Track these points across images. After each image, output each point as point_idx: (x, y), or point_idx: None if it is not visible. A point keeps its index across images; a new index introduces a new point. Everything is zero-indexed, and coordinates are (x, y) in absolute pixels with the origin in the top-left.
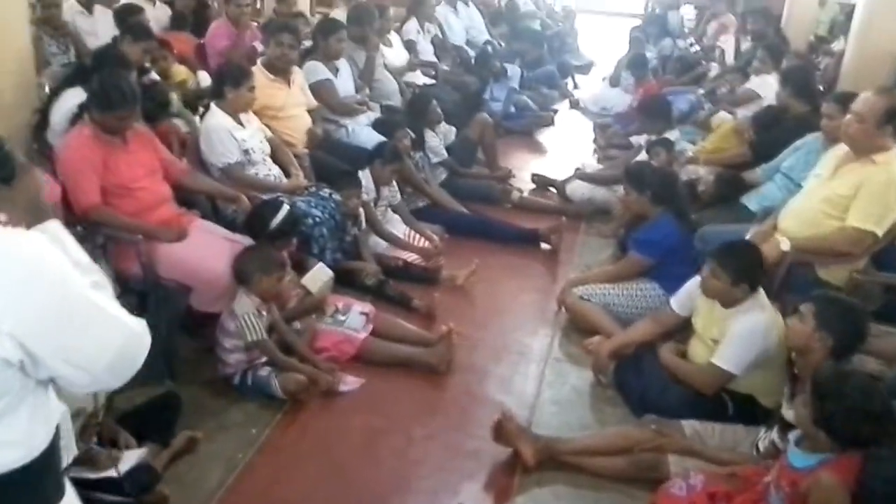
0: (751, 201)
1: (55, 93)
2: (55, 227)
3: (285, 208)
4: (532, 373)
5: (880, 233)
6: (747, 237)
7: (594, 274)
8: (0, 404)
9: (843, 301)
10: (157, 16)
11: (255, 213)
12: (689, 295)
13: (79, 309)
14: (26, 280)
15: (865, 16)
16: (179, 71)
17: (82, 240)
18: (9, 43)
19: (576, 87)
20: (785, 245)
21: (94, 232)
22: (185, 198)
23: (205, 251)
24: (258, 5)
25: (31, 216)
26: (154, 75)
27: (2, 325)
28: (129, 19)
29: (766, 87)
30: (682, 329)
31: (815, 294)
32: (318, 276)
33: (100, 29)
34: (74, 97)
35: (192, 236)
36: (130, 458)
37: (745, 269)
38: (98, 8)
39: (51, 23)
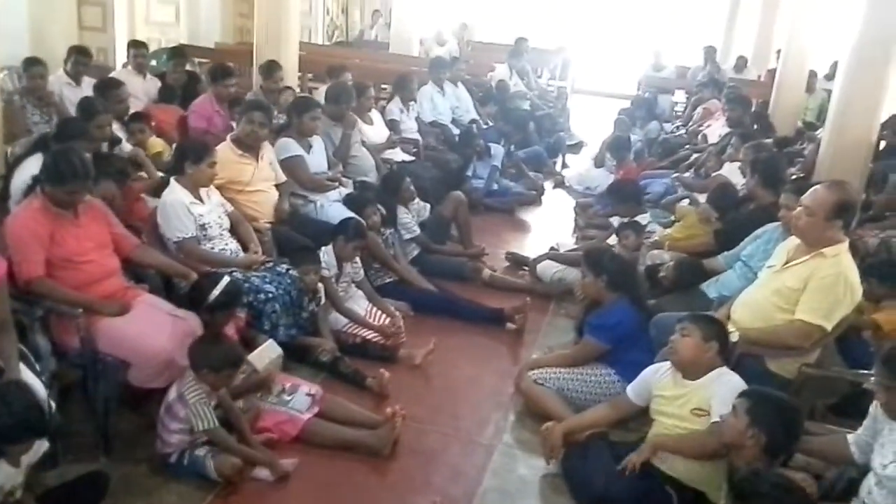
0: (710, 289)
1: (18, 161)
2: None
3: (225, 280)
4: (479, 458)
5: (829, 327)
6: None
7: (550, 358)
8: None
9: (777, 398)
10: (146, 88)
11: (195, 286)
12: (645, 383)
13: None
14: None
15: (842, 104)
16: (156, 143)
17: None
18: None
19: (565, 166)
20: (734, 336)
21: (34, 304)
22: (137, 272)
23: (146, 327)
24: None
25: None
26: (126, 146)
27: None
28: (107, 92)
29: (738, 174)
30: (637, 417)
31: (748, 389)
32: (267, 353)
33: None
34: (34, 165)
35: (136, 311)
36: None
37: (714, 328)
38: (86, 79)
39: (35, 92)
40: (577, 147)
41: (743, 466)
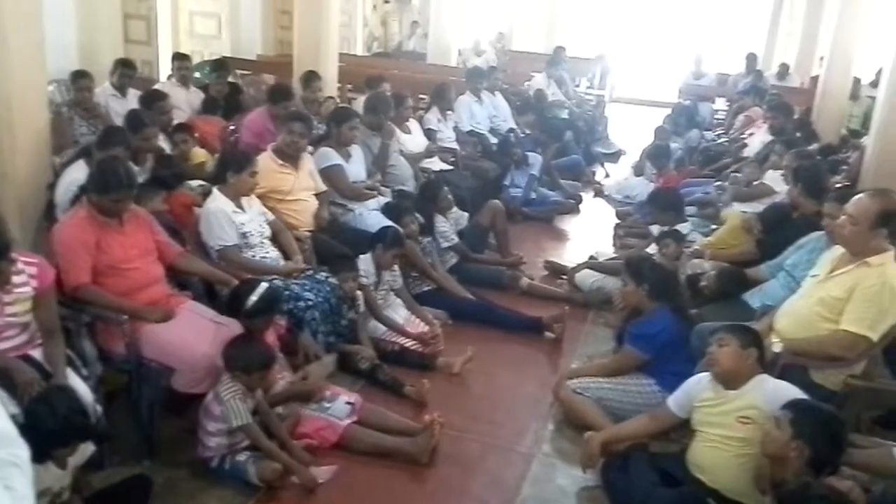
0: (753, 298)
1: (62, 168)
2: None
3: (262, 286)
4: (518, 468)
5: (875, 337)
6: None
7: (589, 367)
8: None
9: (822, 410)
10: (190, 99)
11: (234, 292)
12: (687, 395)
13: None
14: None
15: (886, 111)
16: (198, 154)
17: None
18: (28, 124)
19: (607, 175)
20: (777, 347)
21: (81, 310)
22: (180, 279)
23: (189, 333)
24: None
25: None
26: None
27: None
28: (152, 104)
29: (781, 182)
30: (678, 429)
31: (792, 401)
32: (325, 367)
33: None
34: (76, 172)
35: (179, 318)
36: None
37: (750, 335)
38: (131, 91)
39: (82, 104)
40: (615, 156)
41: (790, 479)
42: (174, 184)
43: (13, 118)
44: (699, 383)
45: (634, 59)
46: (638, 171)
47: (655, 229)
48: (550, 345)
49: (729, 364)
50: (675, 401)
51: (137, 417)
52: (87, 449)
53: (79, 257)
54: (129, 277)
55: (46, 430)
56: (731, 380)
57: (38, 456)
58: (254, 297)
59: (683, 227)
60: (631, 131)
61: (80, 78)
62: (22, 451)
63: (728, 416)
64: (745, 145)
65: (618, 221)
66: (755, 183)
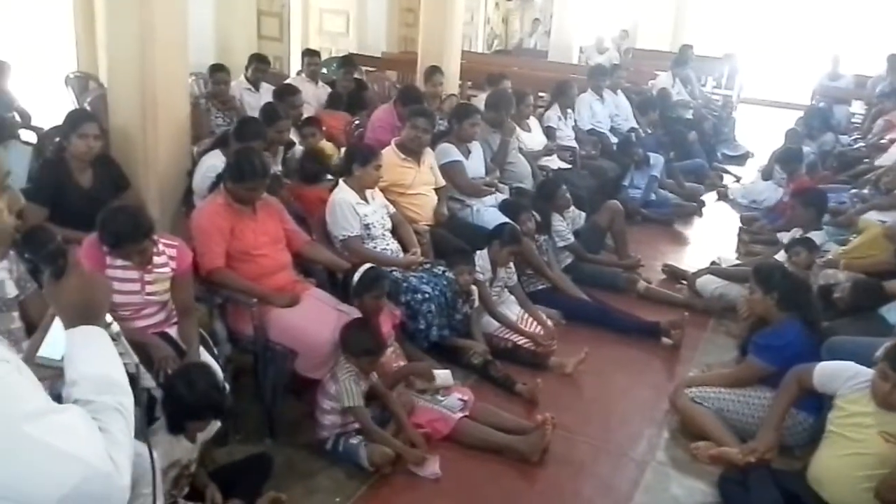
0: (891, 313)
1: (200, 156)
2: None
3: (364, 267)
4: (631, 474)
5: None
6: (878, 354)
7: (710, 376)
8: None
9: None
10: (318, 94)
11: (345, 279)
12: (837, 379)
13: (16, 445)
14: None
15: None
16: (326, 147)
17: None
18: (172, 114)
19: (738, 180)
20: None
21: (214, 293)
22: (305, 266)
23: (313, 319)
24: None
25: (67, 317)
26: (299, 148)
27: None
28: (285, 98)
29: None
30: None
31: None
32: (442, 380)
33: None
34: (213, 159)
35: (304, 304)
36: None
37: None
38: (264, 85)
39: (219, 97)
40: (742, 158)
41: None
42: (320, 177)
43: (157, 109)
44: (854, 378)
45: (766, 57)
46: (766, 175)
47: (785, 236)
48: (667, 351)
49: (891, 399)
50: (823, 373)
51: (261, 398)
52: (214, 425)
53: (214, 242)
54: (259, 263)
55: (184, 403)
56: (890, 405)
57: (173, 427)
58: (356, 276)
59: (817, 236)
60: (759, 133)
61: (218, 72)
62: (128, 399)
63: (870, 429)
64: (885, 151)
65: (742, 226)
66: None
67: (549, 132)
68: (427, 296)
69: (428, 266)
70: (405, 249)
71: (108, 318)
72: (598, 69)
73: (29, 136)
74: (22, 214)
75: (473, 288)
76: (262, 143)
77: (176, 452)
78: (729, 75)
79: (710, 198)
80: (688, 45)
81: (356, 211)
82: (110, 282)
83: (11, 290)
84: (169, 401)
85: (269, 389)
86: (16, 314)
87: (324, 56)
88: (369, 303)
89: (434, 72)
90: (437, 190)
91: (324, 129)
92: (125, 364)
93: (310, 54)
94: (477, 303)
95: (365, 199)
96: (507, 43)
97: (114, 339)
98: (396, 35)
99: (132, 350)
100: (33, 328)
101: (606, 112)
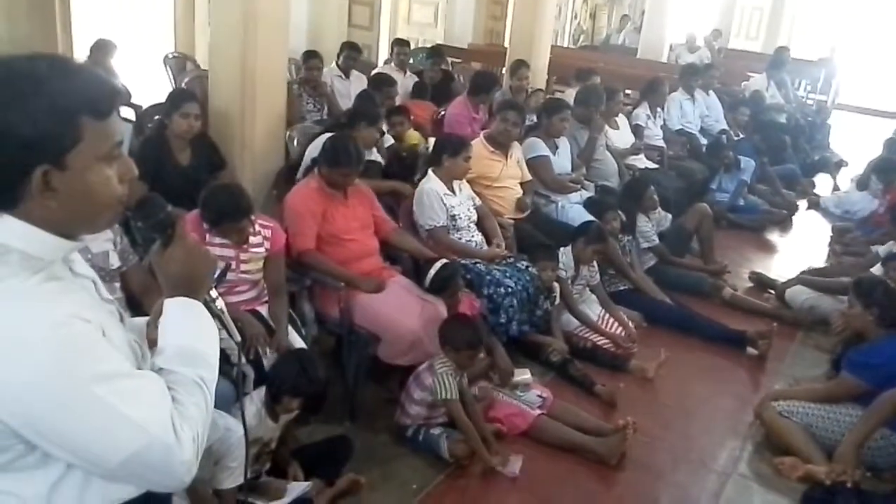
0: None
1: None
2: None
3: (439, 263)
4: (711, 485)
5: None
6: None
7: (799, 390)
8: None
9: None
10: (405, 83)
11: (418, 269)
12: None
13: (82, 404)
14: (15, 351)
15: None
16: (413, 136)
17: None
18: (269, 98)
19: (836, 188)
20: None
21: (304, 274)
22: (391, 254)
23: (397, 306)
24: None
25: (168, 287)
26: (388, 137)
27: None
28: (381, 87)
29: None
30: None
31: None
32: (524, 378)
33: (353, 92)
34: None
35: (389, 290)
36: (295, 489)
37: None
38: (354, 73)
39: (311, 83)
40: (836, 167)
41: None
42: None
43: (256, 92)
44: None
45: (863, 63)
46: (861, 185)
47: (882, 249)
48: (753, 361)
49: None
50: None
51: (343, 380)
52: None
53: (306, 224)
54: (347, 248)
55: (286, 382)
56: None
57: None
58: (431, 272)
59: None
60: (855, 141)
61: (312, 58)
62: (211, 374)
63: None
64: None
65: (833, 237)
66: None
67: (636, 130)
68: (510, 290)
69: (511, 260)
70: (489, 242)
71: (214, 293)
72: (691, 68)
73: (128, 113)
74: (133, 184)
75: (555, 285)
76: (375, 131)
77: (259, 430)
78: (825, 80)
79: (801, 206)
80: (784, 47)
81: (443, 201)
82: (216, 257)
83: (115, 262)
84: (272, 381)
85: (351, 373)
86: (117, 285)
87: (411, 46)
88: (446, 299)
89: (520, 66)
90: (522, 184)
91: (411, 118)
92: (223, 339)
93: (399, 44)
94: (558, 300)
95: (452, 190)
96: (594, 39)
97: (218, 316)
98: (483, 27)
99: (234, 328)
100: (133, 300)
101: (697, 112)
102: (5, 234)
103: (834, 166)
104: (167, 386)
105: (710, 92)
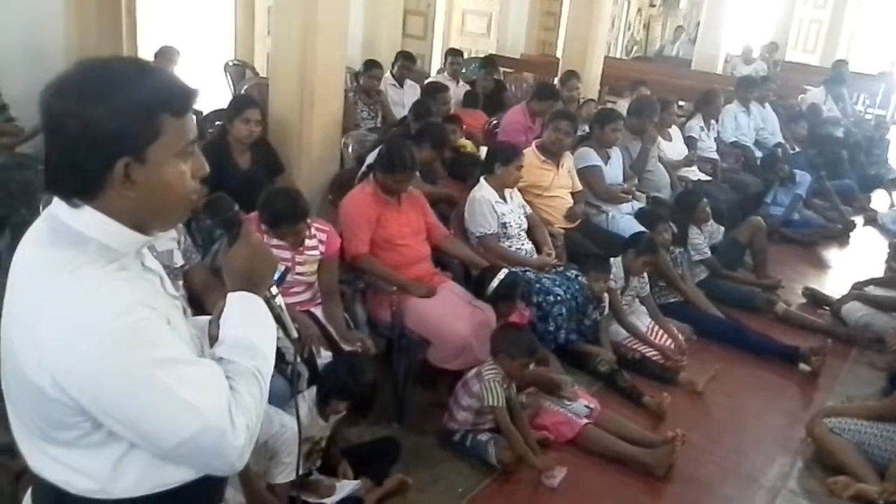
0: None
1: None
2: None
3: (503, 272)
4: (760, 500)
5: None
6: None
7: (852, 407)
8: (67, 436)
9: None
10: (457, 93)
11: (478, 277)
12: None
13: (143, 386)
14: (86, 333)
15: None
16: (465, 144)
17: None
18: (327, 105)
19: (894, 205)
20: None
21: (357, 277)
22: (442, 260)
23: (448, 312)
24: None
25: (231, 282)
26: None
27: (42, 358)
28: (436, 95)
29: None
30: None
31: None
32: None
33: (407, 100)
34: None
35: (440, 296)
36: (345, 487)
37: None
38: (408, 82)
39: (368, 91)
40: (893, 183)
41: None
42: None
43: (314, 99)
44: None
45: None
46: None
47: None
48: (805, 378)
49: None
50: None
51: (392, 383)
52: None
53: (361, 229)
54: (400, 252)
55: (335, 385)
56: None
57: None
58: (495, 283)
59: None
60: None
61: (372, 67)
62: (266, 367)
63: None
64: None
65: (890, 254)
66: None
67: (689, 142)
68: (559, 298)
69: (561, 269)
70: (539, 250)
71: (274, 289)
72: (747, 80)
73: None
74: (207, 181)
75: (605, 295)
76: (435, 153)
77: (310, 429)
78: (884, 94)
79: (857, 221)
80: (843, 60)
81: (495, 209)
82: (277, 256)
83: (179, 260)
84: (327, 381)
85: (401, 375)
86: (181, 283)
87: (464, 55)
88: (503, 308)
89: (571, 76)
90: (573, 194)
91: (463, 127)
92: (279, 338)
93: (453, 53)
94: (607, 310)
95: (504, 198)
96: (647, 50)
97: (277, 312)
98: (535, 38)
99: (293, 326)
100: (194, 299)
101: (752, 125)
102: (85, 224)
103: (891, 182)
104: (225, 375)
105: (766, 105)
